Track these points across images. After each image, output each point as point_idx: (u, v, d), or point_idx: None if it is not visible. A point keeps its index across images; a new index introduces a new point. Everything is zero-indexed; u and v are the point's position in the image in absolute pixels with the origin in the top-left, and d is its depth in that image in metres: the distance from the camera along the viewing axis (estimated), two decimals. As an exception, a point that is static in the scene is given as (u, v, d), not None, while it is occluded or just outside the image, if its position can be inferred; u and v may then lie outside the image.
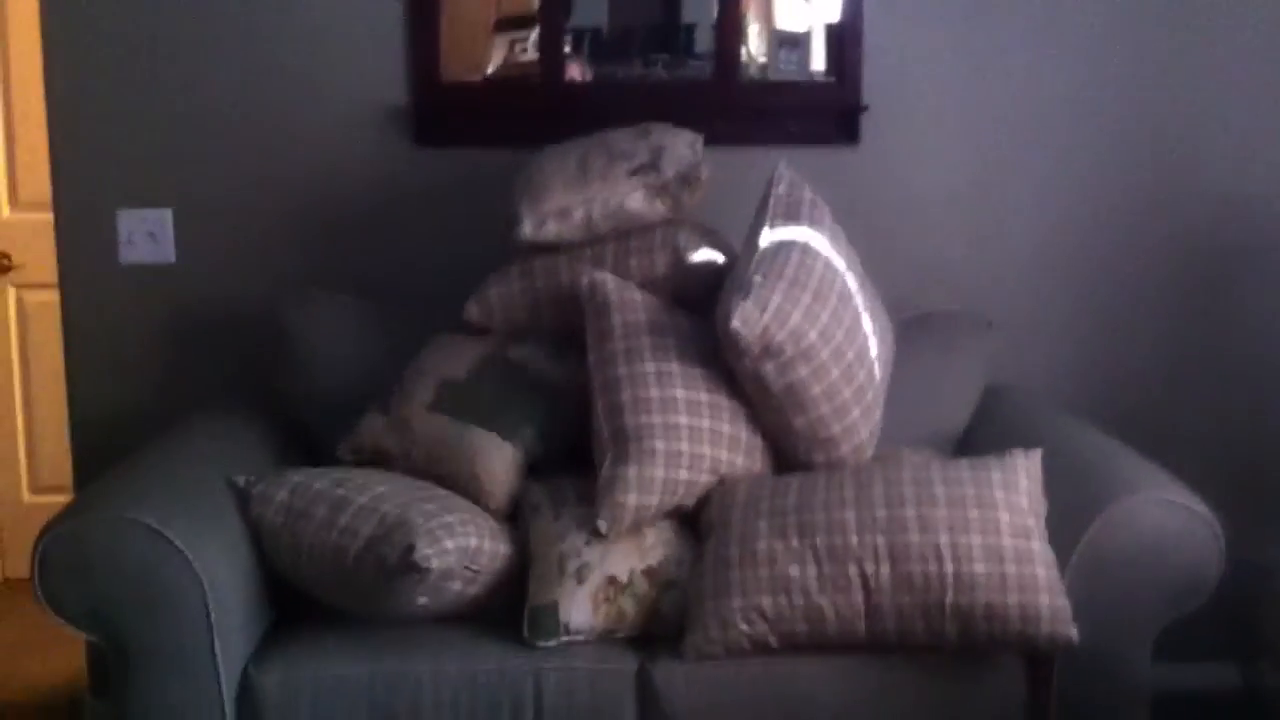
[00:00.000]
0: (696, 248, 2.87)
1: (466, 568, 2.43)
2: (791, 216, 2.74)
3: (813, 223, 2.75)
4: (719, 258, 2.87)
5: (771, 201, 2.78)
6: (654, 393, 2.60)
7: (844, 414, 2.63)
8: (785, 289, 2.55)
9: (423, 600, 2.42)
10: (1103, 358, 3.44)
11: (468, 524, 2.47)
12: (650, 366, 2.63)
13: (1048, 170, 3.39)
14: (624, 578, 2.47)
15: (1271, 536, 3.27)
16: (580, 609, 2.43)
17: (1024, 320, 3.37)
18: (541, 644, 2.42)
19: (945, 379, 3.08)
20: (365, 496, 2.50)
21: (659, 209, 2.85)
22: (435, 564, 2.35)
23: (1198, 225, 3.41)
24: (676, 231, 2.88)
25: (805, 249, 2.67)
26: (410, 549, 2.34)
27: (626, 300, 2.73)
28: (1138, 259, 3.42)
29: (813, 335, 2.54)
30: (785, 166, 2.87)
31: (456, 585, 2.44)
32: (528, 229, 2.82)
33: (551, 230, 2.82)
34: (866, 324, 2.72)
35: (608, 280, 2.76)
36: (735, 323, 2.50)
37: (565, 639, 2.43)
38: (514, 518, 2.67)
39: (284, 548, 2.52)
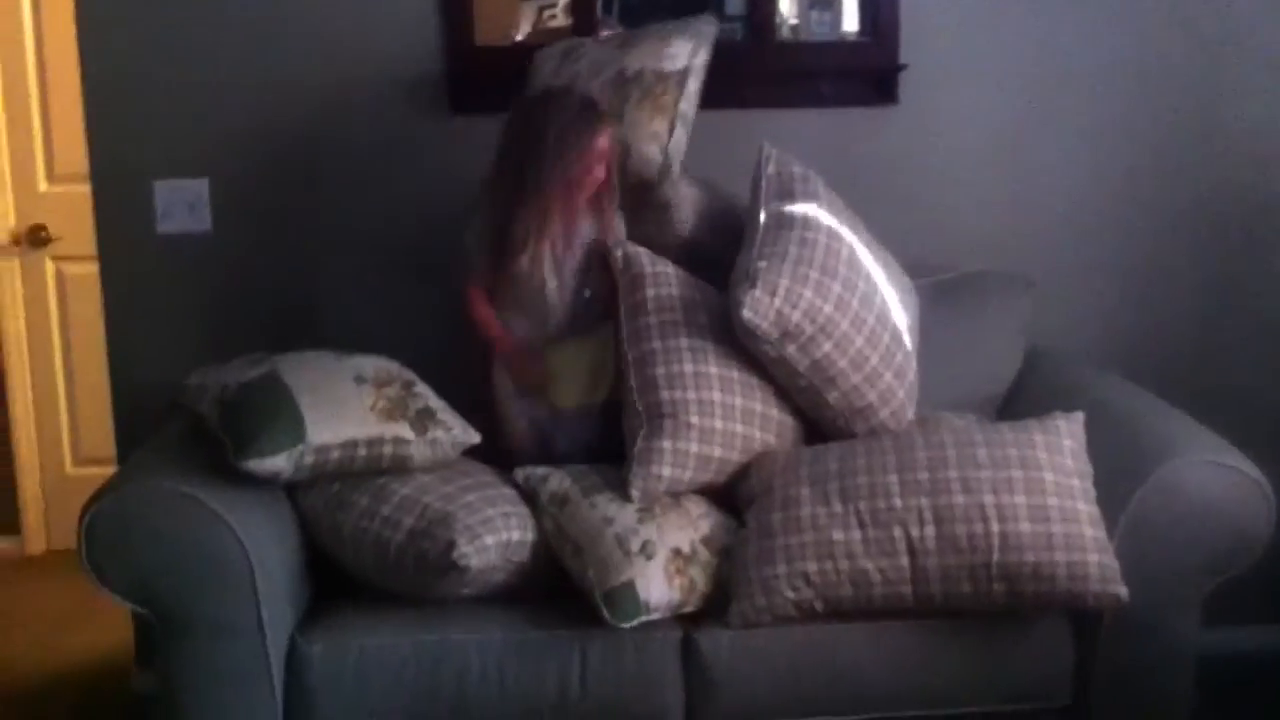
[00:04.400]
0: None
1: (507, 560, 2.44)
2: (785, 195, 2.72)
3: (806, 196, 2.72)
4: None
5: (763, 184, 2.75)
6: (688, 368, 2.58)
7: (876, 380, 2.61)
8: (791, 268, 2.53)
9: (464, 591, 2.45)
10: (1142, 314, 3.42)
11: (509, 517, 2.47)
12: (684, 341, 2.61)
13: (1085, 127, 3.36)
14: (687, 549, 2.45)
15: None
16: (657, 584, 2.39)
17: (1063, 279, 3.34)
18: (626, 625, 2.37)
19: (985, 341, 3.06)
20: (408, 486, 2.50)
21: None
22: (474, 562, 2.37)
23: (1233, 180, 3.39)
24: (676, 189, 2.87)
25: (805, 223, 2.64)
26: (451, 545, 2.35)
27: (659, 274, 2.71)
28: (1174, 215, 3.40)
29: (828, 309, 2.52)
30: (769, 146, 2.83)
31: (498, 577, 2.46)
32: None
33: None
34: (882, 286, 2.71)
35: (641, 254, 2.74)
36: (747, 313, 2.48)
37: (644, 618, 2.38)
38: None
39: (325, 531, 2.53)
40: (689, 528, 2.49)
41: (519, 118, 2.76)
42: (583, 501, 2.52)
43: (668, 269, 2.73)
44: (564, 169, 2.67)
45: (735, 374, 2.60)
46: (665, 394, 2.56)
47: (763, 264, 2.54)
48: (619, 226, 2.83)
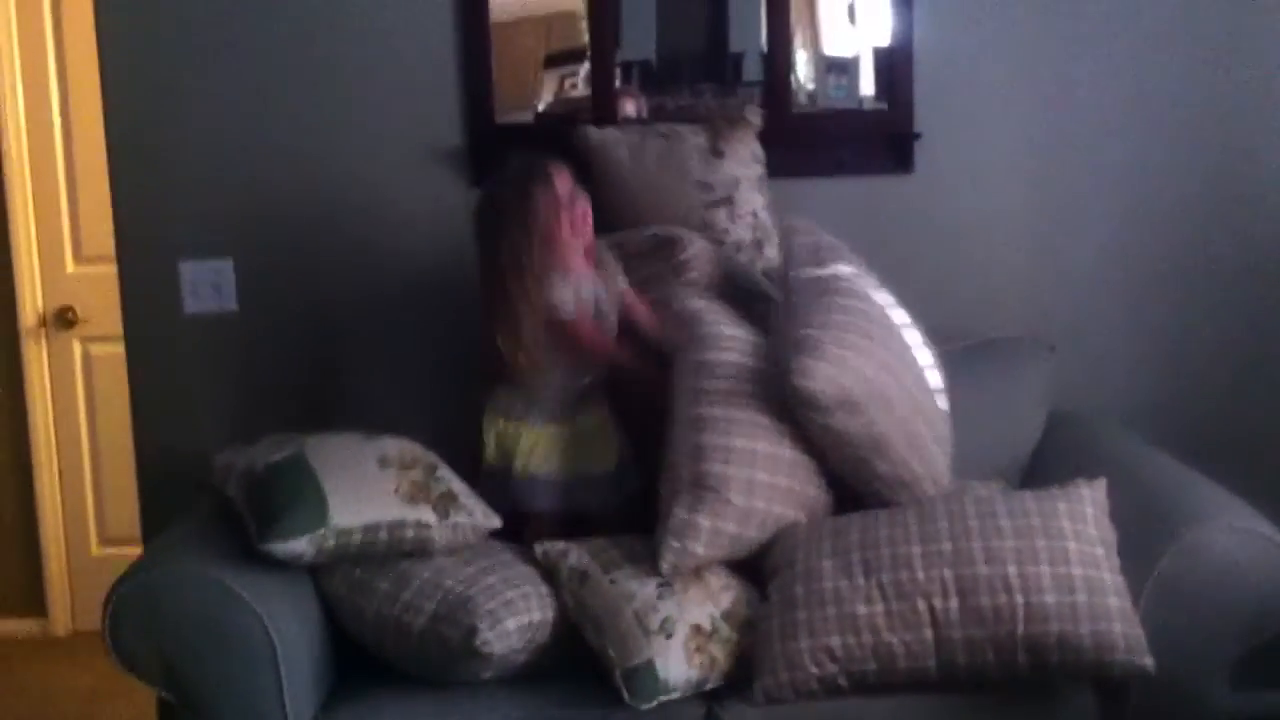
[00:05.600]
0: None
1: (529, 642, 2.44)
2: (816, 262, 2.72)
3: (837, 263, 2.73)
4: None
5: (796, 250, 2.76)
6: (740, 443, 2.52)
7: (921, 449, 2.60)
8: (835, 335, 2.50)
9: (486, 674, 2.44)
10: (1167, 378, 3.39)
11: (530, 597, 2.46)
12: (743, 414, 2.55)
13: (1106, 191, 3.35)
14: (707, 625, 2.42)
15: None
16: (676, 663, 2.37)
17: (1087, 343, 3.33)
18: (645, 706, 2.35)
19: (1008, 407, 3.04)
20: (429, 570, 2.51)
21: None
22: (496, 648, 2.37)
23: (1259, 243, 3.35)
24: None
25: (839, 289, 2.64)
26: (473, 631, 2.36)
27: (732, 337, 2.67)
28: (1200, 278, 3.37)
29: (873, 373, 2.50)
30: (793, 217, 2.88)
31: (519, 659, 2.45)
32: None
33: None
34: (917, 350, 2.70)
35: (715, 311, 2.73)
36: (799, 379, 2.44)
37: (664, 698, 2.36)
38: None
39: (348, 615, 2.53)
40: (709, 602, 2.47)
41: (480, 214, 2.82)
42: (603, 578, 2.50)
43: (739, 332, 2.70)
44: (543, 234, 2.72)
45: (786, 453, 2.56)
46: (716, 467, 2.50)
47: (808, 331, 2.51)
48: (619, 277, 2.87)
